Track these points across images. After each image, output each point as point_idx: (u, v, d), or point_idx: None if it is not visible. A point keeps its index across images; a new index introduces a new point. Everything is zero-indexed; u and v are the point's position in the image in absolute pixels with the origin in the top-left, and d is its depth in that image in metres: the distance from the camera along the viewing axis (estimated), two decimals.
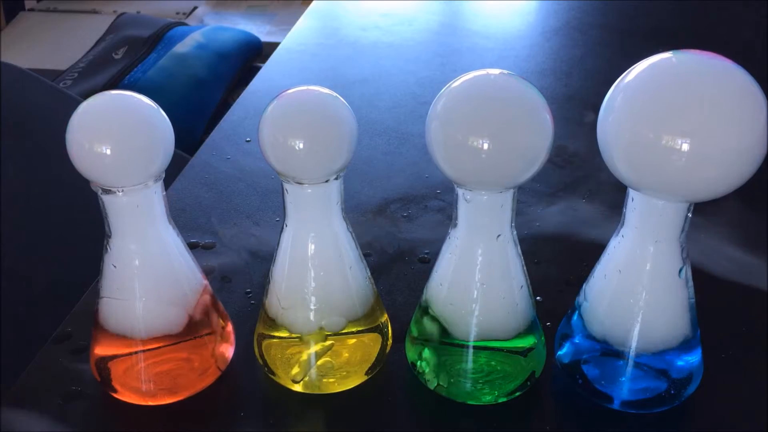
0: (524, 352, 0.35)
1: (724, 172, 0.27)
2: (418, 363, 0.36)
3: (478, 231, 0.32)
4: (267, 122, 0.32)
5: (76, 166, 0.32)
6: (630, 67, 0.29)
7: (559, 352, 0.36)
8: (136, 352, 0.35)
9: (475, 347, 0.34)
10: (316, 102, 0.32)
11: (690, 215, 0.30)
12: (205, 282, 0.37)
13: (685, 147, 0.27)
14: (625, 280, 0.32)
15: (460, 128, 0.29)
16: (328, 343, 0.35)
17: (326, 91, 0.33)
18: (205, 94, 1.07)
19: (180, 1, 1.47)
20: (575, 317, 0.35)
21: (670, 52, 0.28)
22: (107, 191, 0.32)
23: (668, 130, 0.27)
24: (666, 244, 0.31)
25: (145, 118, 0.32)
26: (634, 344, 0.33)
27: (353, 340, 0.36)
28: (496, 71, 0.31)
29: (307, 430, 0.35)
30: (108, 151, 0.31)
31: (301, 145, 0.31)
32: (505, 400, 0.35)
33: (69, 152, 0.31)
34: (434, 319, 0.35)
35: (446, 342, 0.35)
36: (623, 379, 0.34)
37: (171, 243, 0.34)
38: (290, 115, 0.32)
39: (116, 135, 0.31)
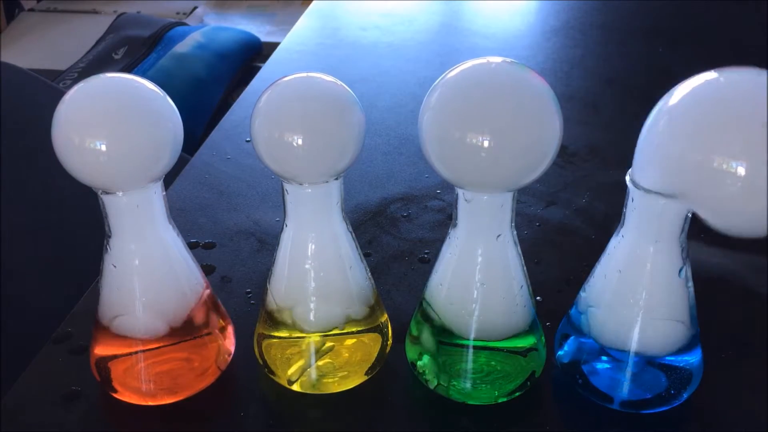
0: (524, 352, 0.35)
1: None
2: (418, 363, 0.36)
3: (478, 231, 0.32)
4: (260, 114, 0.27)
5: (65, 165, 0.26)
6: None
7: (559, 352, 0.36)
8: (136, 352, 0.35)
9: (475, 347, 0.34)
10: (317, 90, 0.27)
11: (690, 215, 0.30)
12: (205, 282, 0.36)
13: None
14: (625, 280, 0.32)
15: (458, 123, 0.27)
16: (329, 344, 0.35)
17: (329, 78, 0.28)
18: (205, 94, 1.07)
19: (180, 1, 1.48)
20: (575, 317, 0.35)
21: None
22: (107, 191, 0.30)
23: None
24: (666, 244, 0.31)
25: (150, 106, 0.27)
26: (633, 344, 0.33)
27: (353, 340, 0.36)
28: (497, 59, 0.27)
29: (307, 430, 0.35)
30: (103, 148, 0.26)
31: (300, 142, 0.27)
32: (505, 400, 0.35)
33: (55, 149, 0.26)
34: (434, 319, 0.34)
35: (446, 342, 0.34)
36: (623, 379, 0.34)
37: (171, 243, 0.34)
38: (287, 106, 0.27)
39: (114, 127, 0.26)
